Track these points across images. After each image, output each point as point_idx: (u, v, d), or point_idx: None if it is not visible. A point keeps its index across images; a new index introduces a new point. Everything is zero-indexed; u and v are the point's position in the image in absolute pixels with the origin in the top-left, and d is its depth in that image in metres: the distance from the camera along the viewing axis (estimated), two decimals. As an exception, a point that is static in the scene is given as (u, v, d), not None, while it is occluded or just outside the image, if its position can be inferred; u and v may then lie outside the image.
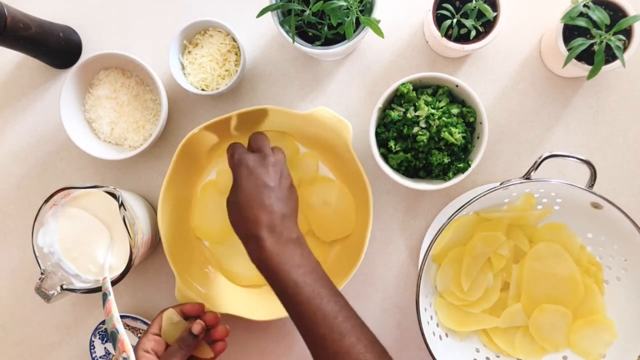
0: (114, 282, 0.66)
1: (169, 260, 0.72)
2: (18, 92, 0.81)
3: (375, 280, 0.78)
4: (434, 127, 0.67)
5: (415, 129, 0.68)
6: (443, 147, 0.68)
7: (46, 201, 0.67)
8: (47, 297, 0.65)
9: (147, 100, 0.77)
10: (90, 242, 0.69)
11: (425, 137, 0.67)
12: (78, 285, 0.67)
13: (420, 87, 0.71)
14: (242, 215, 0.63)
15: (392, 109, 0.70)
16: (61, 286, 0.66)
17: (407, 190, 0.77)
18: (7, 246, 0.81)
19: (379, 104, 0.69)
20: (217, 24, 0.74)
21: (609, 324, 0.69)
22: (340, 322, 0.58)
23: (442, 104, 0.69)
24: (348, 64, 0.78)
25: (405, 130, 0.68)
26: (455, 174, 0.69)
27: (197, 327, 0.67)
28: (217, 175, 0.78)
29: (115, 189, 0.66)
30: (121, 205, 0.65)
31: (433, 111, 0.67)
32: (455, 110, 0.69)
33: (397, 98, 0.71)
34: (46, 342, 0.81)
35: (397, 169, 0.71)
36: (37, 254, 0.67)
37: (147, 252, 0.74)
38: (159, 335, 0.68)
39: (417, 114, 0.68)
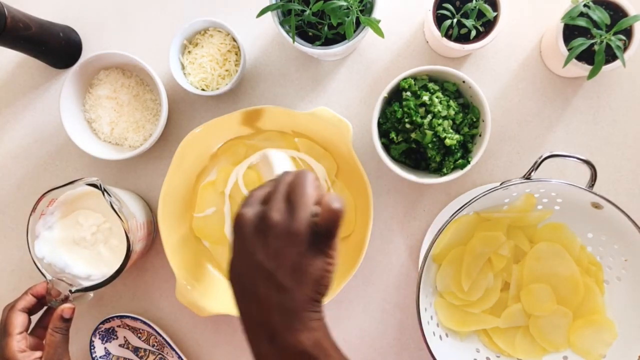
0: (118, 271, 0.67)
1: (169, 260, 0.72)
2: (18, 92, 0.81)
3: (375, 280, 0.78)
4: (434, 123, 0.67)
5: (415, 122, 0.68)
6: (438, 144, 0.68)
7: (33, 211, 0.67)
8: (62, 303, 0.66)
9: (147, 100, 0.77)
10: (95, 241, 0.70)
11: (422, 136, 0.67)
12: (86, 284, 0.67)
13: (423, 87, 0.71)
14: (235, 305, 0.47)
15: (393, 104, 0.70)
16: (70, 290, 0.66)
17: (407, 190, 0.77)
18: (7, 246, 0.81)
19: (384, 93, 0.69)
20: (217, 24, 0.74)
21: (609, 324, 0.69)
22: None
23: (445, 99, 0.69)
24: (348, 63, 0.78)
25: (406, 121, 0.68)
26: (452, 170, 0.70)
27: (68, 311, 0.65)
28: (217, 175, 0.78)
29: (96, 179, 0.66)
30: (104, 192, 0.66)
31: (437, 105, 0.67)
32: (454, 105, 0.69)
33: (396, 95, 0.71)
34: (46, 342, 0.81)
35: (398, 159, 0.71)
36: (38, 266, 0.67)
37: (146, 238, 0.74)
38: (22, 332, 0.65)
39: (424, 99, 0.67)
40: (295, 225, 0.44)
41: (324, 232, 0.44)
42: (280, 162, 0.51)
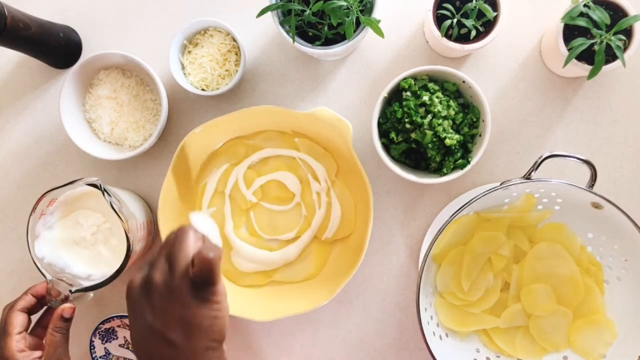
0: (118, 271, 0.67)
1: (169, 260, 0.72)
2: (18, 92, 0.81)
3: (375, 280, 0.78)
4: (434, 123, 0.67)
5: (415, 122, 0.68)
6: (438, 144, 0.68)
7: (33, 211, 0.67)
8: (62, 303, 0.66)
9: (147, 100, 0.77)
10: (95, 241, 0.70)
11: (422, 136, 0.67)
12: (86, 284, 0.67)
13: (423, 87, 0.71)
14: None
15: (393, 104, 0.70)
16: (70, 290, 0.66)
17: (407, 190, 0.77)
18: (7, 246, 0.81)
19: (384, 93, 0.69)
20: (217, 23, 0.74)
21: (609, 324, 0.69)
22: None
23: (445, 99, 0.69)
24: (348, 63, 0.78)
25: (406, 121, 0.68)
26: (452, 170, 0.70)
27: (68, 311, 0.65)
28: (217, 175, 0.78)
29: (96, 179, 0.66)
30: (104, 192, 0.66)
31: (437, 105, 0.67)
32: (455, 105, 0.69)
33: (397, 95, 0.71)
34: (46, 342, 0.81)
35: (398, 159, 0.71)
36: (38, 266, 0.67)
37: (146, 238, 0.74)
38: (21, 332, 0.65)
39: (424, 99, 0.67)
40: (175, 281, 0.46)
41: (201, 281, 0.46)
42: (201, 225, 0.53)
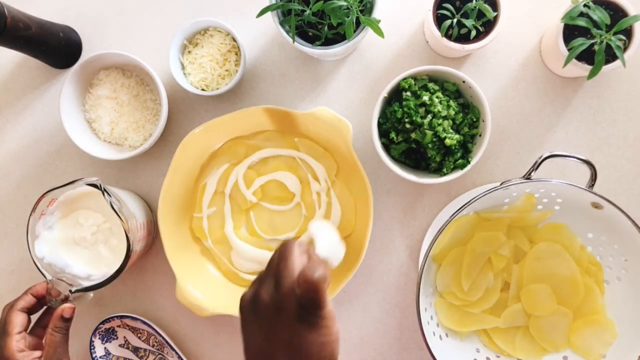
0: (118, 271, 0.67)
1: (169, 260, 0.72)
2: (18, 92, 0.81)
3: (375, 280, 0.78)
4: (434, 123, 0.67)
5: (415, 122, 0.68)
6: (438, 144, 0.68)
7: (33, 211, 0.67)
8: (62, 303, 0.66)
9: (147, 100, 0.77)
10: (96, 241, 0.70)
11: (422, 136, 0.67)
12: (86, 284, 0.67)
13: (423, 87, 0.71)
14: None
15: (393, 104, 0.70)
16: (70, 290, 0.66)
17: (407, 190, 0.77)
18: (7, 246, 0.81)
19: (384, 93, 0.69)
20: (217, 23, 0.74)
21: (609, 324, 0.69)
22: None
23: (445, 99, 0.69)
24: (348, 63, 0.78)
25: (406, 121, 0.68)
26: (452, 170, 0.70)
27: (68, 311, 0.65)
28: (217, 175, 0.78)
29: (96, 179, 0.66)
30: (104, 192, 0.66)
31: (437, 105, 0.67)
32: (455, 105, 0.69)
33: (397, 95, 0.71)
34: (46, 342, 0.81)
35: (398, 159, 0.71)
36: (38, 266, 0.67)
37: (146, 238, 0.74)
38: (21, 332, 0.65)
39: (424, 99, 0.67)
40: (281, 299, 0.44)
41: (308, 304, 0.43)
42: (322, 235, 0.50)
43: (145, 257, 0.79)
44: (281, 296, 0.44)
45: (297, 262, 0.45)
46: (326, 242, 0.51)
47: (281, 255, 0.46)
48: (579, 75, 0.74)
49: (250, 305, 0.46)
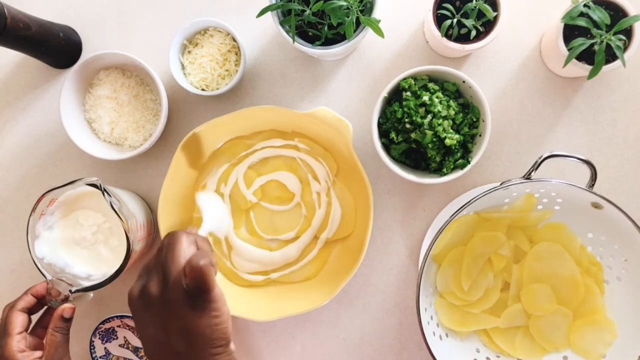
0: (118, 271, 0.67)
1: (169, 260, 0.72)
2: (18, 92, 0.81)
3: (375, 280, 0.78)
4: (434, 123, 0.67)
5: (415, 122, 0.68)
6: (438, 144, 0.68)
7: (33, 211, 0.67)
8: (62, 303, 0.66)
9: (147, 100, 0.77)
10: (95, 241, 0.70)
11: (422, 136, 0.67)
12: (86, 284, 0.67)
13: (423, 87, 0.71)
14: None
15: (393, 104, 0.70)
16: (70, 290, 0.66)
17: (407, 190, 0.77)
18: (7, 246, 0.81)
19: (384, 93, 0.69)
20: (217, 23, 0.74)
21: (609, 324, 0.69)
22: None
23: (445, 99, 0.69)
24: (348, 63, 0.78)
25: (406, 121, 0.68)
26: (452, 170, 0.70)
27: (68, 311, 0.65)
28: (217, 175, 0.78)
29: (96, 179, 0.66)
30: (104, 192, 0.66)
31: (437, 105, 0.67)
32: (455, 105, 0.69)
33: (397, 95, 0.71)
34: (46, 342, 0.81)
35: (398, 159, 0.71)
36: (38, 266, 0.67)
37: (146, 238, 0.74)
38: (21, 332, 0.65)
39: (424, 99, 0.67)
40: (169, 292, 0.46)
41: (195, 290, 0.46)
42: (206, 204, 0.52)
43: (145, 257, 0.79)
44: (170, 286, 0.46)
45: (185, 251, 0.47)
46: (213, 214, 0.52)
47: (169, 245, 0.48)
48: (579, 75, 0.74)
49: (139, 300, 0.48)
